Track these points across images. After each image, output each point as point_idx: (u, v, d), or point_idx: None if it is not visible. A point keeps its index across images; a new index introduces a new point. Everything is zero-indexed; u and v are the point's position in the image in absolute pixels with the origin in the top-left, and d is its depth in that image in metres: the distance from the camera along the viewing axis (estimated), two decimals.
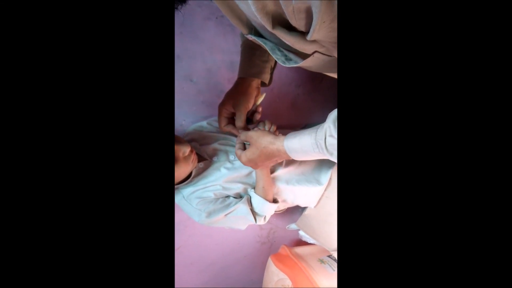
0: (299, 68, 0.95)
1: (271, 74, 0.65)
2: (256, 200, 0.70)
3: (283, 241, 1.11)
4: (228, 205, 0.68)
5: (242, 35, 0.63)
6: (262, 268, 0.99)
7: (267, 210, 0.71)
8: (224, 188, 0.69)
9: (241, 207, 0.68)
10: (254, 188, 0.71)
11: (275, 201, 0.74)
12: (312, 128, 0.47)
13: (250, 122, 0.66)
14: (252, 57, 0.61)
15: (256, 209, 0.70)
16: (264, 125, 0.61)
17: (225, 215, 0.68)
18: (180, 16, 0.73)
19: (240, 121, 0.62)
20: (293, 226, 1.03)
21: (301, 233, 1.01)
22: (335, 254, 0.81)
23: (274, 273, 0.88)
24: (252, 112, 0.66)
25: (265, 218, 0.72)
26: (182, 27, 0.77)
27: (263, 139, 0.54)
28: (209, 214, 0.66)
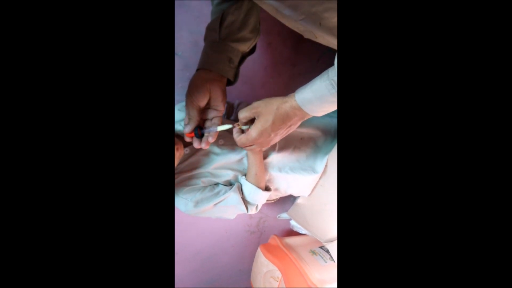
0: (295, 45, 0.90)
1: (236, 68, 0.58)
2: (248, 188, 0.65)
3: (273, 230, 1.09)
4: (218, 194, 0.63)
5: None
6: (250, 258, 0.97)
7: (259, 198, 0.66)
8: (212, 175, 0.64)
9: (232, 196, 0.64)
10: (245, 175, 0.67)
11: (267, 189, 0.69)
12: (320, 74, 0.43)
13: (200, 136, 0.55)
14: (207, 48, 0.56)
15: (248, 198, 0.66)
16: None
17: (214, 204, 0.63)
18: None
19: (191, 121, 0.53)
20: (284, 215, 1.00)
21: (293, 223, 0.99)
22: (327, 245, 0.77)
23: (264, 264, 0.86)
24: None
25: (257, 207, 0.68)
26: None
27: (273, 102, 0.48)
28: (197, 204, 0.62)
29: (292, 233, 1.05)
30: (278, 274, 0.80)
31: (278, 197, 0.80)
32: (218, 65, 0.54)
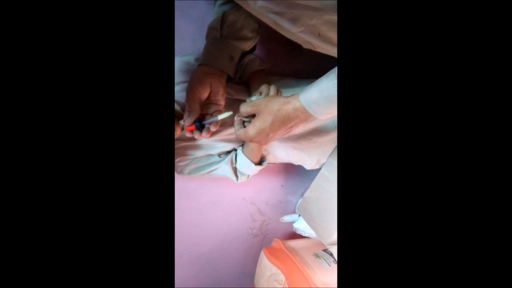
0: (295, 51, 0.90)
1: (236, 65, 0.60)
2: (242, 160, 0.68)
3: (276, 233, 1.09)
4: (211, 164, 0.67)
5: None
6: (254, 261, 0.97)
7: (251, 171, 0.69)
8: (208, 147, 0.67)
9: (223, 167, 0.67)
10: (242, 145, 0.69)
11: (261, 163, 0.72)
12: (326, 73, 0.42)
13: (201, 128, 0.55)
14: (209, 45, 0.57)
15: (240, 168, 0.69)
16: (269, 90, 0.52)
17: (208, 172, 0.67)
18: None
19: (191, 113, 0.53)
20: (287, 218, 1.01)
21: (295, 225, 0.99)
22: (331, 249, 0.78)
23: (267, 267, 0.85)
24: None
25: (248, 176, 0.71)
26: None
27: (274, 102, 0.46)
28: (190, 172, 0.66)
29: (295, 236, 1.05)
30: (281, 277, 0.80)
31: (278, 162, 0.81)
32: (219, 61, 0.55)
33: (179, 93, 0.61)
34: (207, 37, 0.58)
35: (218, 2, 0.58)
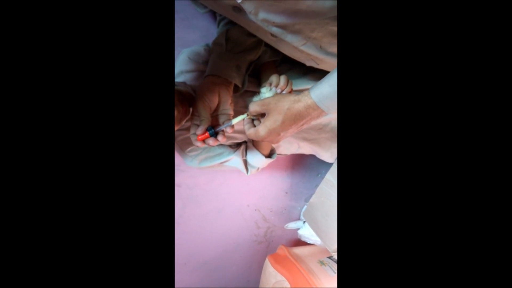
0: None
1: (244, 75, 0.60)
2: (253, 152, 0.69)
3: (281, 240, 1.09)
4: (221, 155, 0.67)
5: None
6: (258, 269, 0.97)
7: (261, 163, 0.70)
8: None
9: (235, 159, 0.68)
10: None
11: (270, 155, 0.73)
12: (335, 68, 0.41)
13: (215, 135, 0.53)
14: (215, 57, 0.57)
15: (250, 161, 0.70)
16: (279, 81, 0.49)
17: (220, 164, 0.68)
18: None
19: (203, 121, 0.51)
20: (291, 225, 1.00)
21: (300, 232, 0.99)
22: (336, 256, 0.77)
23: (272, 275, 0.85)
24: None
25: (258, 169, 0.73)
26: (175, 14, 0.72)
27: (284, 101, 0.45)
28: (201, 162, 0.67)
29: (300, 243, 1.04)
30: (286, 284, 0.79)
31: (289, 153, 0.83)
32: (225, 71, 0.56)
33: (190, 81, 0.61)
34: (212, 52, 0.59)
35: (222, 22, 0.61)
